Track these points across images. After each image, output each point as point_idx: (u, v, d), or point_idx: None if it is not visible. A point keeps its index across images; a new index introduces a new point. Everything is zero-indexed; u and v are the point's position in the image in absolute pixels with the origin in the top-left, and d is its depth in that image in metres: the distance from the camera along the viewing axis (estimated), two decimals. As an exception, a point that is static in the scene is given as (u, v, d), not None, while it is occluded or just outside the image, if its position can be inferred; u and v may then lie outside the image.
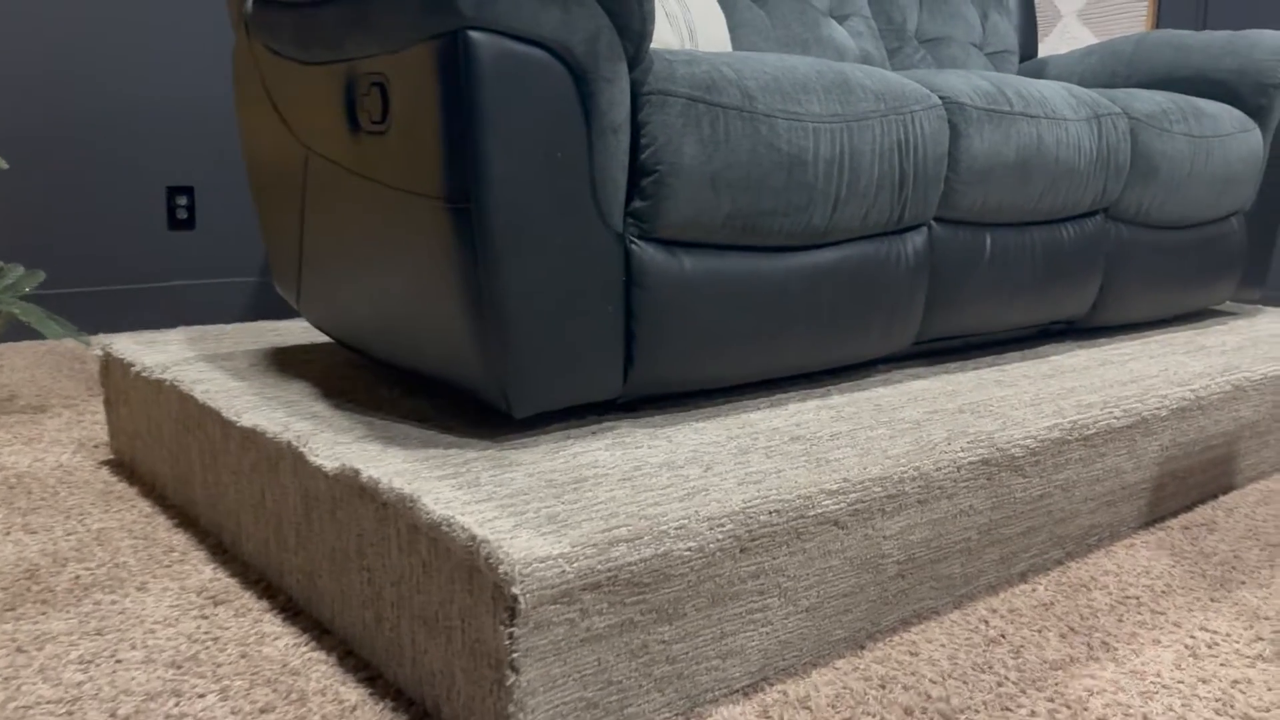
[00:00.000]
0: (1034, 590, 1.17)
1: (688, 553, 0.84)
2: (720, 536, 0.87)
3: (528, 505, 0.86)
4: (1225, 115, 1.81)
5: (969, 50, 2.16)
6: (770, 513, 0.91)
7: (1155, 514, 1.40)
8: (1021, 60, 2.37)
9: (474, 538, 0.78)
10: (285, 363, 1.44)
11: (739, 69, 1.12)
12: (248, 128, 1.38)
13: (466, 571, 0.79)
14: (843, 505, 0.97)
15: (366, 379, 1.34)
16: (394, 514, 0.88)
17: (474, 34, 0.92)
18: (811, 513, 0.94)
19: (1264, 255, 2.04)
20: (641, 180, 1.05)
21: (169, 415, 1.35)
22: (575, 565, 0.77)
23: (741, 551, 0.89)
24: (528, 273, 0.99)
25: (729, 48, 1.50)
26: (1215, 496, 1.52)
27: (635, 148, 1.05)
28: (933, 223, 1.39)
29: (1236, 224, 1.93)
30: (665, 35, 1.36)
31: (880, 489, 1.00)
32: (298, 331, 1.73)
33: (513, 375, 1.01)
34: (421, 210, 1.02)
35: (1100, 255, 1.65)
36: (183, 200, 2.67)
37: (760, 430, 1.13)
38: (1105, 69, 2.10)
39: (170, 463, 1.37)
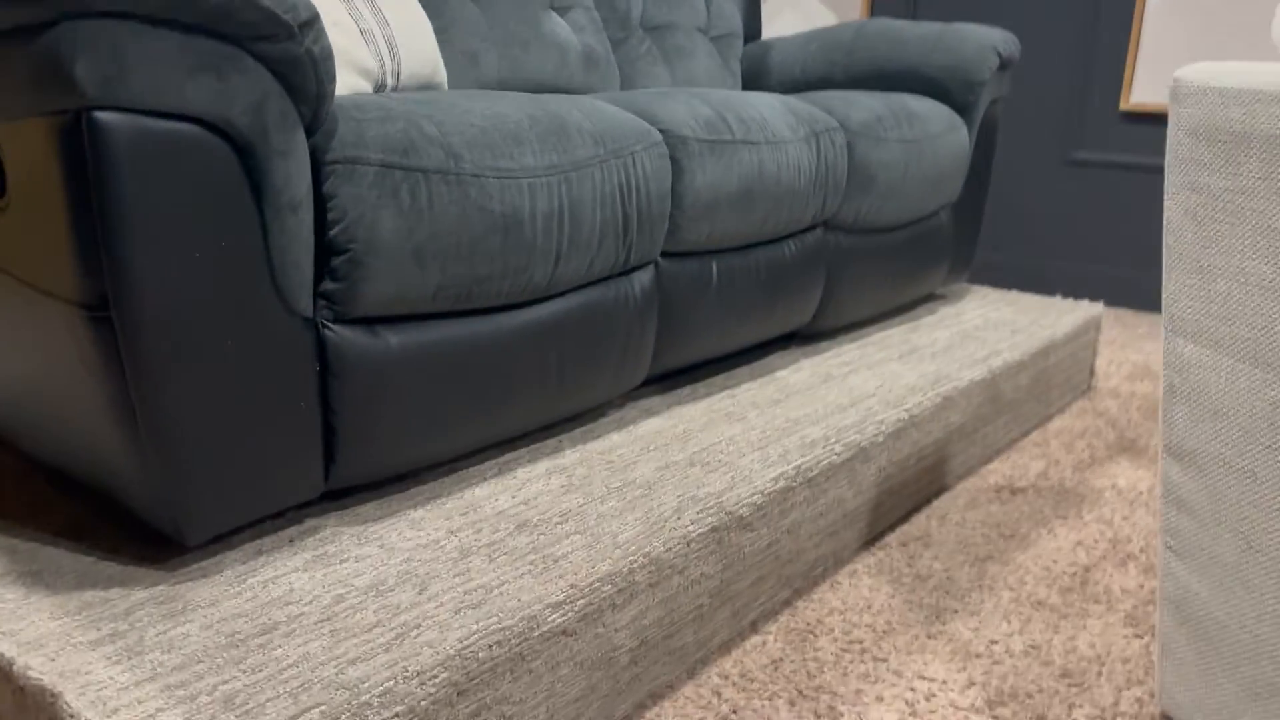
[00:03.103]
0: (764, 643, 1.17)
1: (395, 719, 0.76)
2: (433, 690, 0.78)
3: (200, 681, 0.74)
4: (935, 115, 1.87)
5: (694, 36, 2.11)
6: (492, 645, 0.83)
7: (875, 531, 1.45)
8: (746, 41, 2.36)
9: (128, 759, 0.65)
10: (-84, 440, 1.21)
11: (442, 123, 1.00)
12: None
13: (123, 794, 0.67)
14: (570, 614, 0.91)
15: (14, 466, 1.14)
16: (34, 705, 0.74)
17: (101, 115, 0.75)
18: (537, 632, 0.87)
19: (969, 243, 2.15)
20: (332, 260, 0.92)
21: None
22: (257, 778, 0.67)
23: (459, 695, 0.81)
24: (192, 384, 0.85)
25: (438, 60, 1.37)
26: (929, 501, 1.60)
27: (322, 223, 0.92)
28: (659, 259, 1.33)
29: (945, 216, 2.02)
30: (362, 58, 1.21)
31: (610, 586, 0.95)
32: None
33: (181, 502, 0.87)
34: (57, 314, 0.84)
35: (821, 266, 1.66)
36: None
37: (485, 515, 1.04)
38: (825, 58, 2.12)
39: None
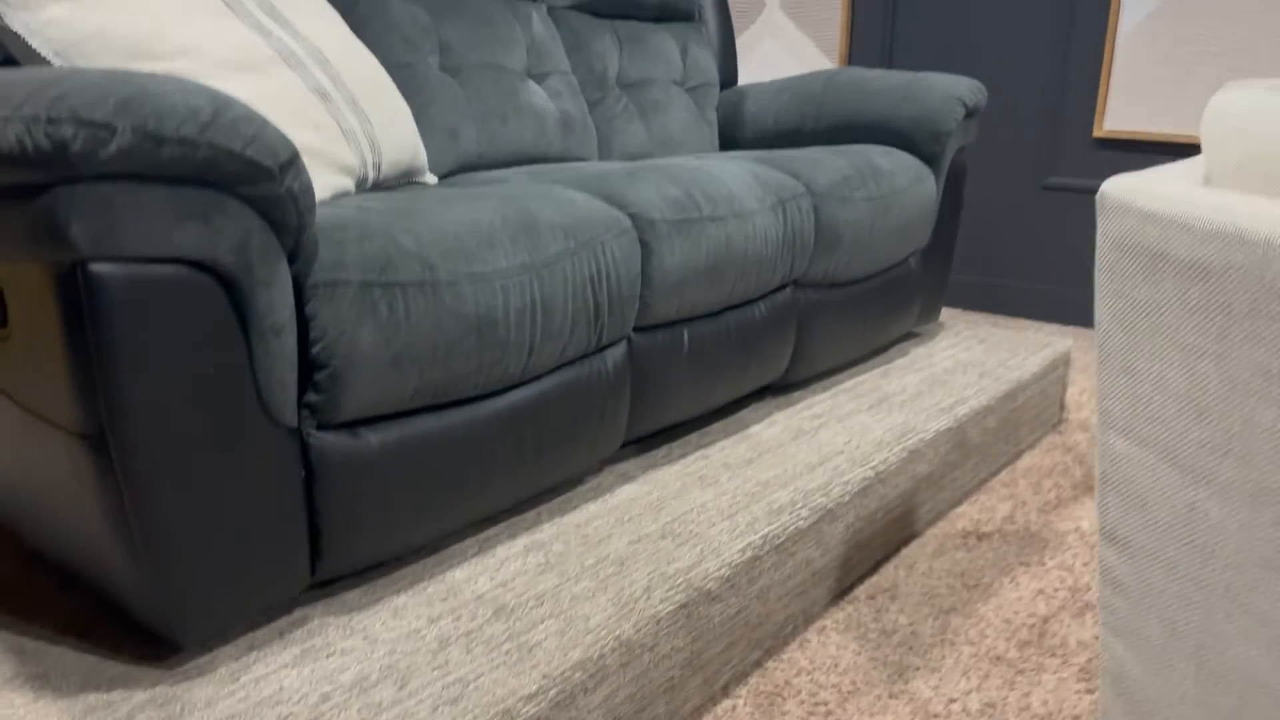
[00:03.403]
0: (734, 708, 1.24)
1: (378, 820, 0.82)
2: (413, 789, 0.85)
3: (201, 791, 0.80)
4: (901, 169, 1.93)
5: (670, 90, 2.17)
6: (467, 740, 0.90)
7: (844, 585, 1.52)
8: (724, 86, 2.42)
9: None
10: (-76, 527, 1.27)
11: (419, 234, 1.07)
12: None
13: None
14: (543, 704, 0.97)
15: (19, 556, 1.20)
16: (46, 815, 0.80)
17: (95, 267, 0.81)
18: (510, 723, 0.94)
19: (940, 285, 2.22)
20: (315, 374, 0.99)
21: None
22: None
23: (438, 789, 0.88)
24: (185, 499, 0.91)
25: (418, 145, 1.43)
26: (899, 550, 1.66)
27: (305, 341, 0.98)
28: (631, 334, 1.40)
29: (914, 262, 2.08)
30: (344, 157, 1.27)
31: (582, 672, 1.01)
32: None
33: (176, 608, 0.93)
34: (56, 439, 0.91)
35: (792, 322, 1.73)
36: None
37: (465, 600, 1.11)
38: (797, 109, 2.18)
39: None
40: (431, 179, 1.54)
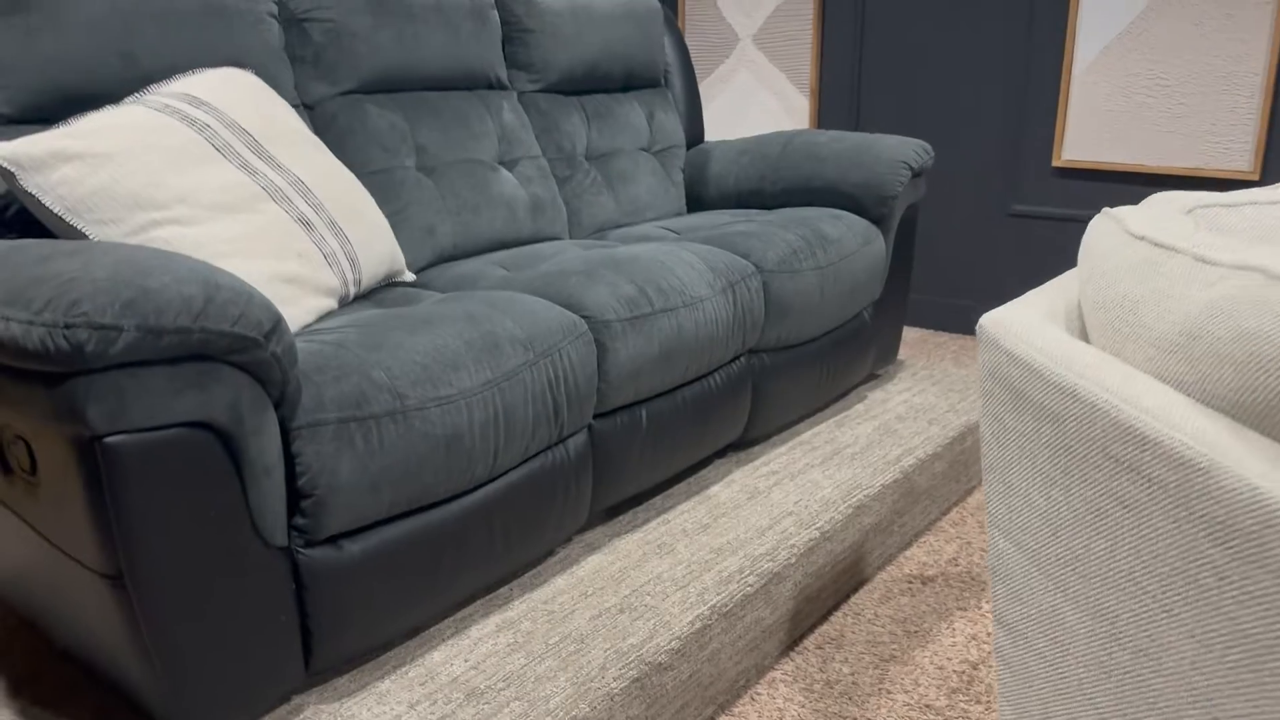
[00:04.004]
0: (688, 763, 1.39)
1: None
2: None
3: None
4: (850, 234, 2.07)
5: (638, 157, 2.31)
6: (440, 820, 1.05)
7: (794, 636, 1.67)
8: (690, 143, 2.56)
9: None
10: (-37, 619, 1.42)
11: (390, 367, 1.21)
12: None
13: None
14: (507, 781, 1.13)
15: (50, 650, 1.36)
16: None
17: (110, 440, 0.96)
18: (478, 800, 1.09)
19: (894, 332, 2.36)
20: (302, 502, 1.14)
21: None
22: None
23: None
24: (194, 621, 1.06)
25: (395, 253, 1.57)
26: (849, 597, 1.81)
27: (292, 473, 1.13)
28: (591, 421, 1.55)
29: (867, 315, 2.23)
30: (327, 280, 1.42)
31: (541, 749, 1.17)
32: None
33: (187, 711, 1.09)
34: (80, 572, 1.06)
35: (747, 387, 1.87)
36: None
37: (441, 684, 1.26)
38: (756, 173, 2.31)
39: None
40: (409, 276, 1.69)
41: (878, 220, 2.19)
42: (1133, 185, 3.07)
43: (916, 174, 2.21)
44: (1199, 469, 0.79)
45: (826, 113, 3.61)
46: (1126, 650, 0.92)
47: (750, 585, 1.51)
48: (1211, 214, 1.33)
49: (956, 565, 1.92)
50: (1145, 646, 0.89)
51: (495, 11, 2.03)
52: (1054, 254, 3.24)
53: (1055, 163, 3.17)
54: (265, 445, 1.08)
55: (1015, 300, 1.18)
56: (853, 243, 2.06)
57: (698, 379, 1.75)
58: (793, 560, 1.60)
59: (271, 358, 1.06)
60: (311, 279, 1.40)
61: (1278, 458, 0.75)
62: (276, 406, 1.11)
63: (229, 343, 1.01)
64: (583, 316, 1.50)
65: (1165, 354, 0.89)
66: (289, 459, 1.13)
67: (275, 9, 1.66)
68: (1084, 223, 3.16)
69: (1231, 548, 0.76)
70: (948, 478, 2.10)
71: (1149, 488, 0.85)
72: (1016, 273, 3.31)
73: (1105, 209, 1.26)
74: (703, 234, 1.95)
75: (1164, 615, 0.86)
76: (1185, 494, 0.80)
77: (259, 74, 1.61)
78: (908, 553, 1.97)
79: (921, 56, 3.37)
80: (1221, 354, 0.81)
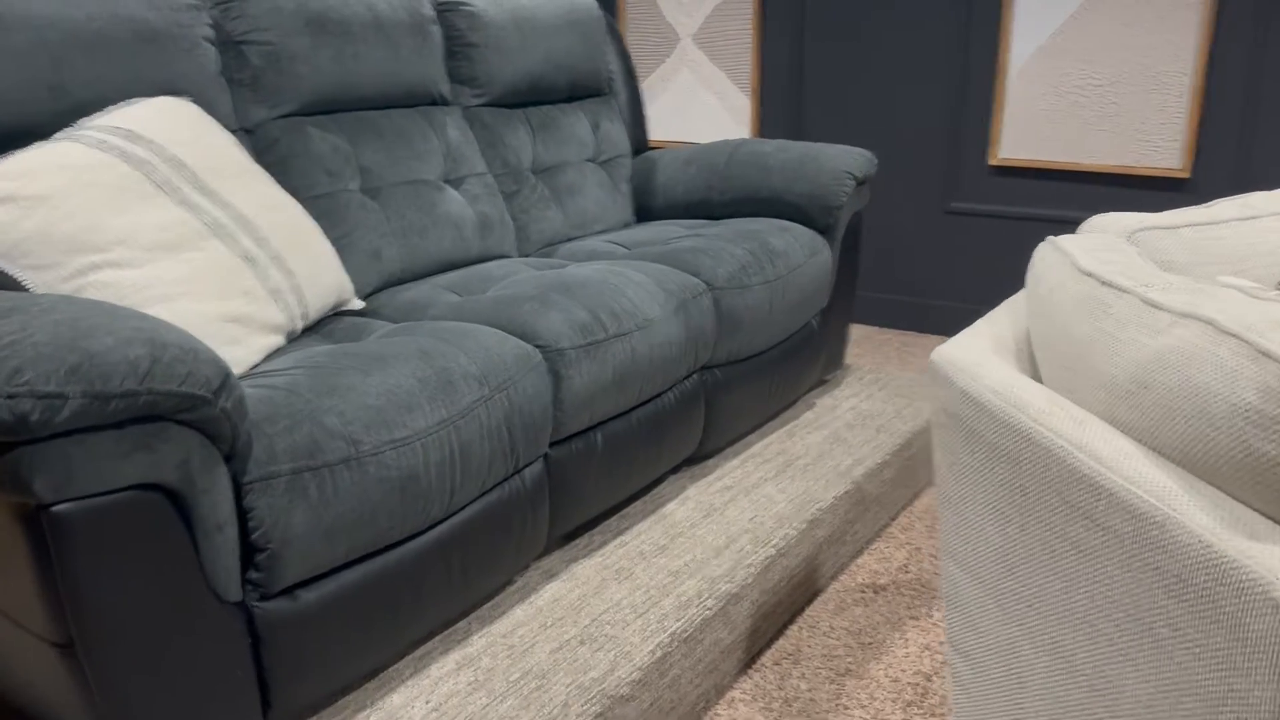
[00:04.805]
0: (651, 790, 1.40)
1: None
2: None
3: None
4: (797, 246, 2.08)
5: (584, 169, 2.30)
6: None
7: (752, 653, 1.68)
8: (636, 151, 2.55)
9: None
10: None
11: (343, 412, 1.19)
12: None
13: None
14: (474, 828, 1.12)
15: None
16: None
17: (56, 509, 0.93)
18: None
19: (841, 340, 2.38)
20: (255, 556, 1.12)
21: None
22: None
23: None
24: (147, 683, 1.04)
25: (342, 283, 1.55)
26: (803, 610, 1.83)
27: (245, 527, 1.11)
28: (548, 449, 1.54)
29: (815, 323, 2.25)
30: (273, 317, 1.38)
31: (507, 792, 1.17)
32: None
33: (150, 778, 1.06)
34: (30, 640, 1.03)
35: (700, 403, 1.88)
36: None
37: (401, 727, 1.25)
38: (703, 182, 2.32)
39: None
40: (358, 304, 1.66)
41: (824, 230, 2.20)
42: (1066, 183, 3.14)
43: (860, 183, 2.23)
44: (1153, 522, 0.81)
45: (768, 113, 3.62)
46: (1082, 688, 0.94)
47: (709, 609, 1.52)
48: (1152, 238, 1.36)
49: (907, 572, 1.95)
50: (1101, 687, 0.91)
51: (437, 26, 2.00)
52: (991, 250, 3.30)
53: (992, 161, 3.22)
54: (217, 502, 1.06)
55: (965, 331, 1.20)
56: (800, 255, 2.08)
57: (652, 399, 1.75)
58: (750, 580, 1.62)
59: (221, 413, 1.04)
60: (258, 317, 1.36)
61: (1230, 513, 0.77)
62: (227, 460, 1.09)
63: (177, 402, 0.99)
64: (537, 346, 1.49)
65: (1116, 399, 0.91)
66: (241, 513, 1.11)
67: (211, 33, 1.61)
68: (1020, 220, 3.22)
69: (1185, 601, 0.78)
70: (896, 484, 2.13)
71: (1104, 535, 0.87)
72: (954, 269, 3.37)
73: (1050, 238, 1.28)
74: (654, 250, 1.95)
75: (1120, 658, 0.88)
76: (1140, 545, 0.82)
77: (196, 100, 1.56)
78: (859, 560, 2.00)
79: (862, 57, 3.39)
80: (1172, 406, 0.83)
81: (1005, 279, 3.28)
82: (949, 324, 3.40)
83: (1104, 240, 1.20)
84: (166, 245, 1.30)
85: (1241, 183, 2.87)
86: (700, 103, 3.74)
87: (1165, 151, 2.95)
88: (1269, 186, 2.84)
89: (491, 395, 1.37)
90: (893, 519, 2.16)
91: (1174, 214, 1.42)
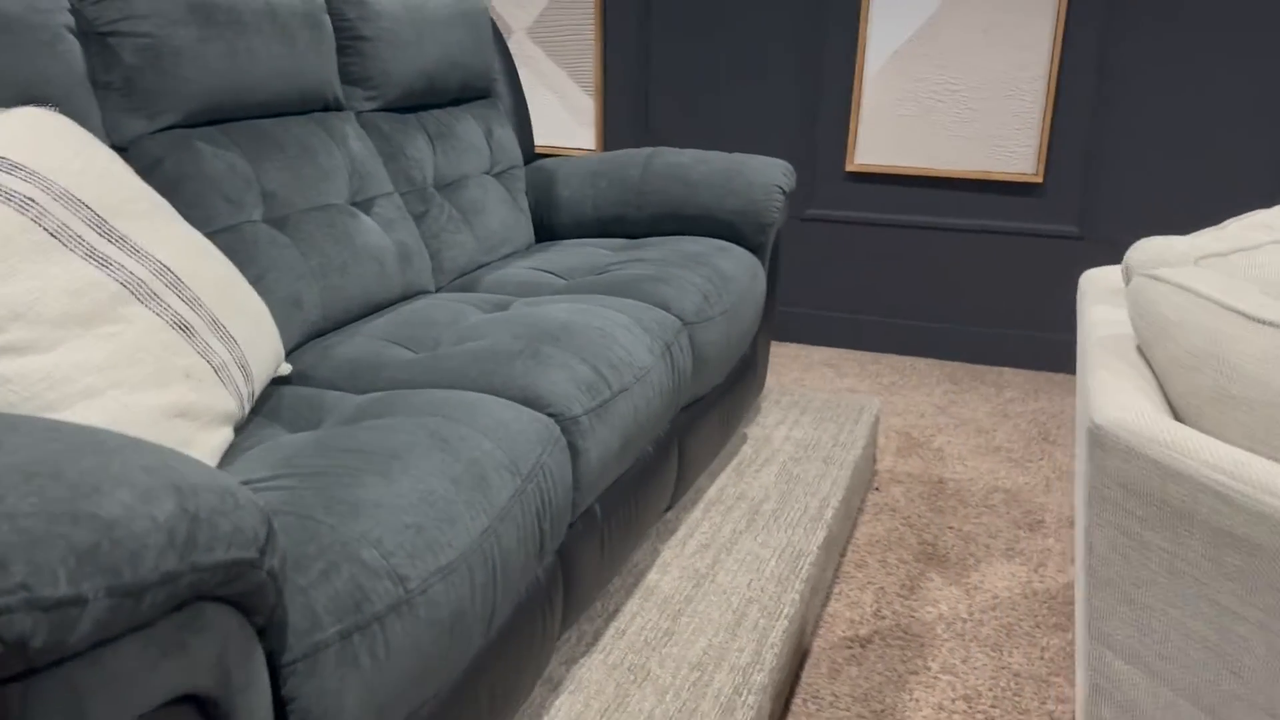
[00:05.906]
0: None
1: None
2: None
3: None
4: (739, 269, 1.90)
5: (485, 183, 2.00)
6: None
7: (770, 739, 1.49)
8: (526, 162, 2.27)
9: None
10: None
11: (379, 536, 0.88)
12: None
13: None
14: None
15: None
16: None
17: None
18: None
19: (765, 357, 2.23)
20: (297, 760, 0.79)
21: None
22: None
23: None
24: None
25: (278, 349, 1.20)
26: (798, 677, 1.66)
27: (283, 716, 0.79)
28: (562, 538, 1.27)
29: (749, 350, 2.08)
30: (224, 403, 1.03)
31: None
32: None
33: None
34: None
35: (674, 453, 1.66)
36: None
37: None
38: (618, 198, 2.08)
39: None
40: (286, 368, 1.31)
41: (756, 248, 2.04)
42: (923, 189, 3.15)
43: (787, 196, 2.08)
44: None
45: (613, 114, 3.42)
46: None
47: (752, 707, 1.31)
48: (1224, 266, 1.28)
49: (883, 618, 1.82)
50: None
51: (327, 16, 1.64)
52: (846, 256, 3.27)
53: (848, 167, 3.18)
54: (255, 702, 0.74)
55: (1103, 384, 1.05)
56: (744, 278, 1.90)
57: (639, 458, 1.51)
58: (776, 663, 1.42)
59: (268, 576, 0.72)
60: (207, 407, 1.01)
61: None
62: (261, 636, 0.76)
63: (223, 575, 0.66)
64: (548, 414, 1.22)
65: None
66: (279, 704, 0.78)
67: (72, 21, 1.20)
68: (876, 226, 3.20)
69: None
70: (845, 517, 2.00)
71: None
72: (811, 276, 3.31)
73: (1143, 273, 1.17)
74: (600, 281, 1.70)
75: None
76: None
77: (62, 110, 1.16)
78: (830, 609, 1.85)
79: (714, 57, 3.26)
80: None
81: (863, 286, 3.26)
82: (808, 332, 3.34)
83: (1217, 278, 1.10)
84: (80, 317, 0.93)
85: (1089, 187, 2.98)
86: (539, 102, 3.48)
87: (1019, 157, 3.01)
88: (1115, 191, 2.96)
89: (524, 486, 1.09)
90: (842, 554, 2.03)
91: (1208, 240, 1.36)
